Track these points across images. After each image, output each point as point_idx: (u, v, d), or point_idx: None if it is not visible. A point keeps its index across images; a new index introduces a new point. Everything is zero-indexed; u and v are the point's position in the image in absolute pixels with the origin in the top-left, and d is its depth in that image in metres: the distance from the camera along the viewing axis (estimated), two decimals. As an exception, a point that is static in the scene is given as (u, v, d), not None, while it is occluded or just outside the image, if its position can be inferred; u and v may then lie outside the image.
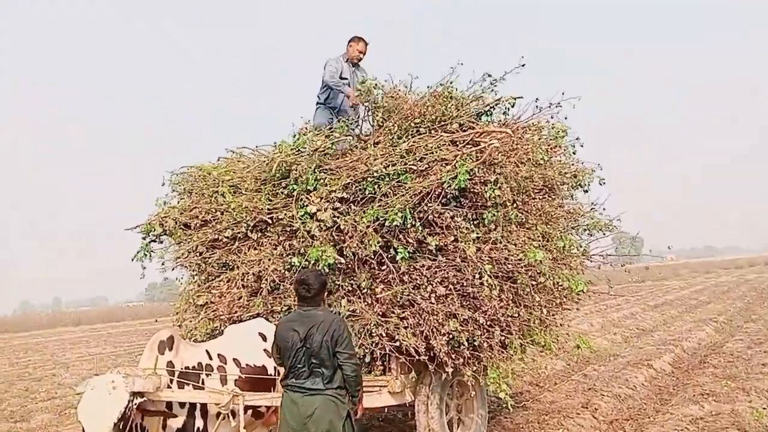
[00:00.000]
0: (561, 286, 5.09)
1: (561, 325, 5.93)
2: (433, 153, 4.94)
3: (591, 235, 5.99)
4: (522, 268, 4.83)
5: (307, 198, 5.10)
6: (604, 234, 5.93)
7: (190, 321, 5.91)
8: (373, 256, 4.91)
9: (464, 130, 5.17)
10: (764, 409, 6.78)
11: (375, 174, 4.92)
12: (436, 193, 4.81)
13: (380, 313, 4.99)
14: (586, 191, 6.04)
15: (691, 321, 15.33)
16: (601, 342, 12.58)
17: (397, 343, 4.90)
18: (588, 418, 6.95)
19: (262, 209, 5.32)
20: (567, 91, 5.48)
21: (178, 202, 6.13)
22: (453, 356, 4.85)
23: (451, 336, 4.78)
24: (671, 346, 11.33)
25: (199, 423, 4.20)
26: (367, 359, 5.16)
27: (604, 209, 5.96)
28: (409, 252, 4.86)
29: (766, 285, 26.47)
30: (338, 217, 4.88)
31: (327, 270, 4.96)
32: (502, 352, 4.95)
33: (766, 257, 67.12)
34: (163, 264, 6.10)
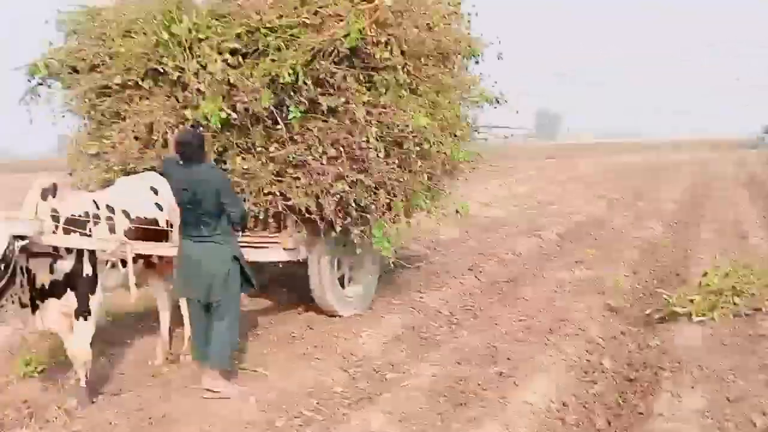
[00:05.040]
0: (445, 153, 5.32)
1: (449, 193, 6.25)
2: (327, 7, 4.82)
3: (480, 107, 6.17)
4: (408, 133, 4.98)
5: (198, 47, 4.92)
6: (494, 106, 6.12)
7: (82, 171, 5.79)
8: (266, 114, 4.90)
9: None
10: (626, 276, 7.61)
11: (267, 25, 4.77)
12: (329, 50, 4.76)
13: (274, 172, 5.08)
14: (477, 62, 6.13)
15: (589, 197, 16.39)
16: (499, 212, 13.36)
17: (290, 202, 5.06)
18: (471, 278, 7.58)
19: (152, 57, 5.09)
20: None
21: (65, 43, 5.74)
22: (341, 216, 5.08)
23: (340, 196, 4.98)
24: (563, 219, 12.21)
25: (87, 269, 4.27)
26: (261, 216, 5.32)
27: (495, 82, 6.11)
28: (301, 111, 4.89)
29: (666, 167, 28.32)
30: (228, 70, 4.77)
31: (219, 126, 4.94)
32: (387, 213, 5.23)
33: (669, 141, 71.82)
34: (53, 110, 5.82)
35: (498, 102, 6.05)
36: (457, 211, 5.82)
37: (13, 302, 3.98)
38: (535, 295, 6.67)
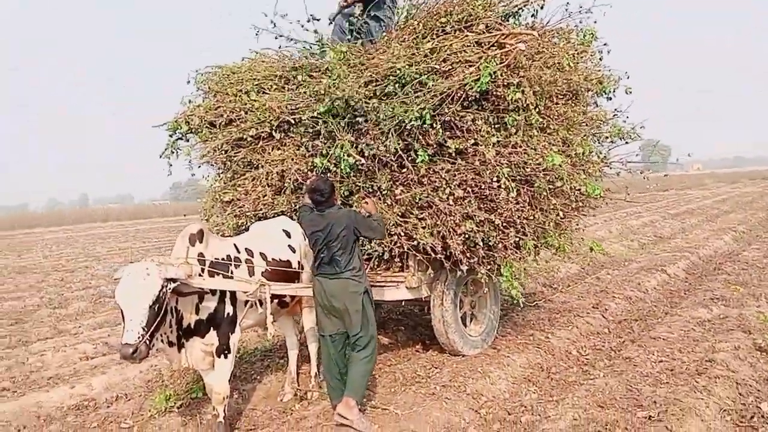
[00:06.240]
0: (578, 190, 5.18)
1: (577, 229, 6.07)
2: (457, 54, 4.88)
3: (613, 143, 5.99)
4: (540, 172, 4.90)
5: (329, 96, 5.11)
6: (626, 141, 5.92)
7: (217, 217, 6.17)
8: (393, 158, 5.01)
9: (490, 32, 5.06)
10: (772, 313, 6.99)
11: (397, 72, 4.90)
12: (458, 95, 4.80)
13: (399, 213, 5.16)
14: (610, 99, 5.97)
15: (710, 230, 15.38)
16: (618, 248, 12.79)
17: (415, 242, 5.11)
18: (597, 317, 7.25)
19: (284, 110, 5.38)
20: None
21: (204, 101, 6.21)
22: (468, 255, 5.06)
23: (467, 236, 4.96)
24: (687, 253, 11.48)
25: (228, 309, 4.52)
26: (386, 257, 5.41)
27: (627, 117, 5.92)
28: (428, 155, 4.94)
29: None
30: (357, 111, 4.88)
31: (349, 171, 5.11)
32: (516, 252, 5.14)
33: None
34: (189, 162, 6.26)
35: (631, 137, 5.86)
36: (591, 249, 5.62)
37: (162, 341, 4.25)
38: (672, 335, 6.26)
